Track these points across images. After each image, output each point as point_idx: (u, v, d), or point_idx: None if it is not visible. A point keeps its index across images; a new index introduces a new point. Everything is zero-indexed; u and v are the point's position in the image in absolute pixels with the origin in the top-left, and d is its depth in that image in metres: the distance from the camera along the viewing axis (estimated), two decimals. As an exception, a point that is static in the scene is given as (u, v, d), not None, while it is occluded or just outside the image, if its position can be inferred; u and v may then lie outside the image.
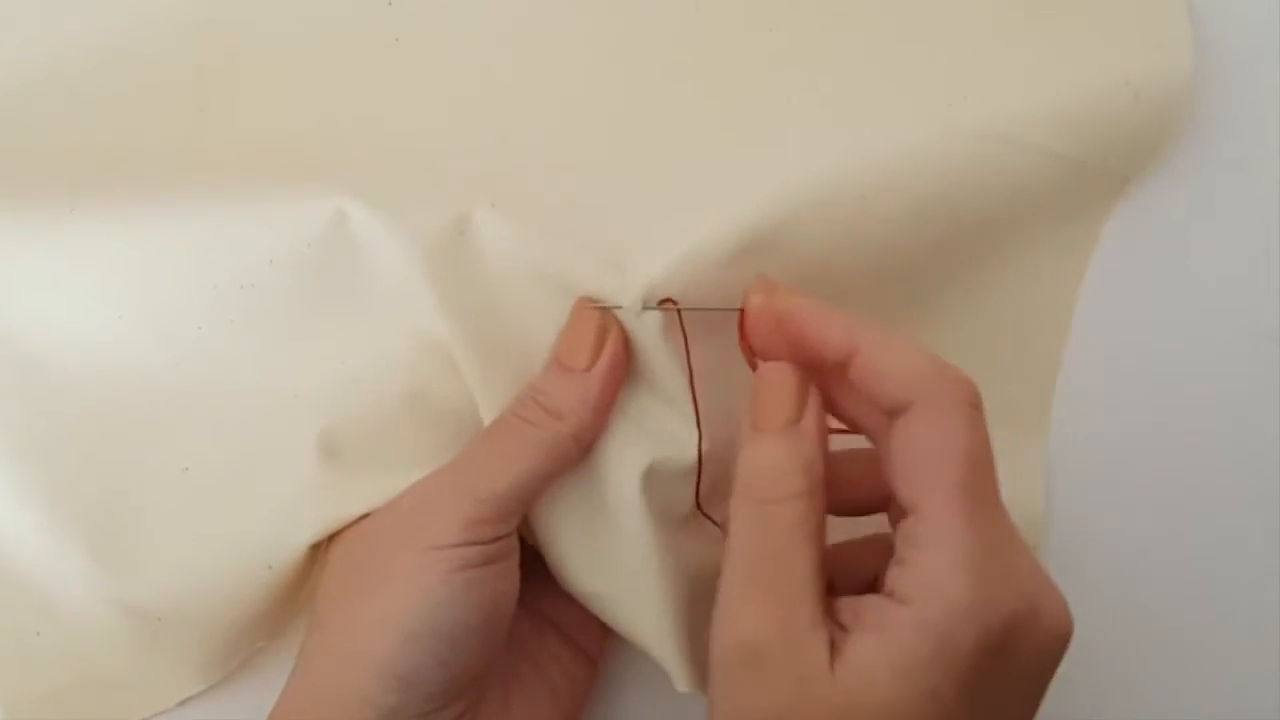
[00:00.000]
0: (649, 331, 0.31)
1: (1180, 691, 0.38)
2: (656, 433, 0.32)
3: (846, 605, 0.26)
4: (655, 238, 0.32)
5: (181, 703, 0.34)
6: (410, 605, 0.29)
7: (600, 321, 0.31)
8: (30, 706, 0.34)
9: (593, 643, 0.34)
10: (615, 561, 0.32)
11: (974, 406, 0.26)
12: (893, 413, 0.27)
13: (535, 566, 0.32)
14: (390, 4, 0.36)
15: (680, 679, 0.31)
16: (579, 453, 0.31)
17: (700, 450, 0.31)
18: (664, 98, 0.36)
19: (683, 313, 0.31)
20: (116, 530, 0.33)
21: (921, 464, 0.26)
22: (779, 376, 0.29)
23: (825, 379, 0.29)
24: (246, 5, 0.36)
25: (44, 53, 0.35)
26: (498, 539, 0.30)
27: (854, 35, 0.37)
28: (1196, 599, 0.38)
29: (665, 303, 0.31)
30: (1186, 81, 0.36)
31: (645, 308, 0.31)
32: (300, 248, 0.32)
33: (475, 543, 0.29)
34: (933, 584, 0.25)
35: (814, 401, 0.28)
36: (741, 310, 0.30)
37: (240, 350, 0.33)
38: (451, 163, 0.35)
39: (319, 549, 0.32)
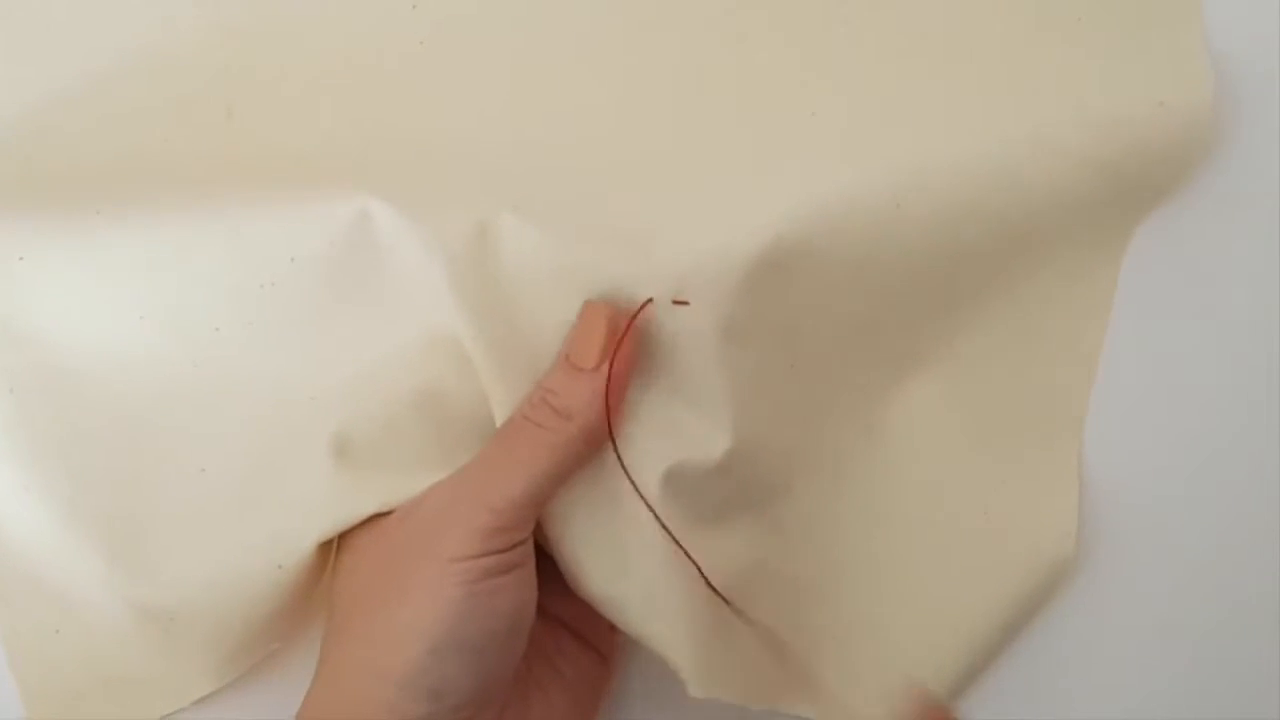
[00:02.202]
0: (673, 329, 0.32)
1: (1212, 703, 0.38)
2: (675, 433, 0.32)
3: None
4: (681, 239, 0.33)
5: (198, 701, 0.35)
6: (435, 617, 0.29)
7: (610, 320, 0.32)
8: (50, 705, 0.34)
9: (606, 642, 0.35)
10: (629, 566, 0.32)
11: None
12: None
13: (543, 567, 0.32)
14: (414, 7, 0.37)
15: (694, 684, 0.31)
16: (589, 452, 0.31)
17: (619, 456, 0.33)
18: (689, 103, 0.37)
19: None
20: (133, 530, 0.34)
21: None
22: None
23: None
24: (270, 9, 0.37)
25: (70, 61, 0.37)
26: (515, 545, 0.30)
27: (885, 43, 0.38)
28: (1233, 614, 0.38)
29: (678, 303, 0.32)
30: (1209, 96, 0.37)
31: (675, 301, 0.32)
32: (322, 246, 0.33)
33: (494, 552, 0.30)
34: None
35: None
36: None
37: (258, 351, 0.34)
38: (475, 165, 0.36)
39: (328, 549, 0.33)
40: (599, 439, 0.32)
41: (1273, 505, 0.39)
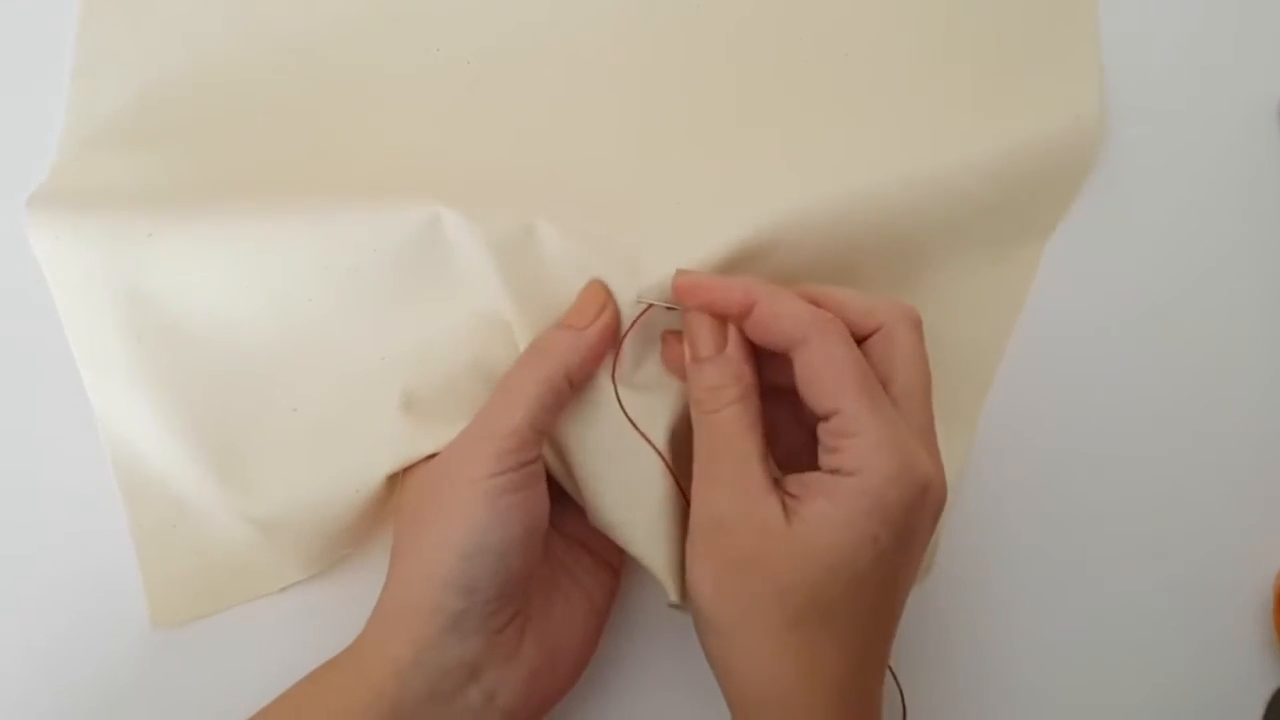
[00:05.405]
0: (667, 321, 0.37)
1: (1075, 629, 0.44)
2: (675, 395, 0.37)
3: (792, 481, 0.33)
4: (670, 246, 0.38)
5: (285, 588, 0.39)
6: (465, 529, 0.33)
7: (603, 297, 0.36)
8: (167, 586, 0.39)
9: (614, 556, 0.39)
10: (637, 499, 0.36)
11: (848, 337, 0.33)
12: (789, 349, 0.33)
13: (565, 500, 0.37)
14: (469, 62, 0.42)
15: (672, 593, 0.36)
16: (570, 389, 0.36)
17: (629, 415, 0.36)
18: (682, 139, 0.42)
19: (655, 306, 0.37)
20: (237, 456, 0.38)
21: (829, 378, 0.32)
22: (700, 320, 0.35)
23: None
24: (365, 67, 0.42)
25: (214, 96, 0.42)
26: (524, 465, 0.34)
27: (841, 85, 0.43)
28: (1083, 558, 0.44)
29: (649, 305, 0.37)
30: (1096, 136, 0.42)
31: (669, 306, 0.37)
32: (398, 241, 0.37)
33: (506, 471, 0.33)
34: (866, 459, 0.31)
35: (734, 333, 0.34)
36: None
37: (341, 320, 0.38)
38: (519, 183, 0.40)
39: (395, 480, 0.37)
40: (579, 380, 0.36)
41: (1146, 463, 0.44)
